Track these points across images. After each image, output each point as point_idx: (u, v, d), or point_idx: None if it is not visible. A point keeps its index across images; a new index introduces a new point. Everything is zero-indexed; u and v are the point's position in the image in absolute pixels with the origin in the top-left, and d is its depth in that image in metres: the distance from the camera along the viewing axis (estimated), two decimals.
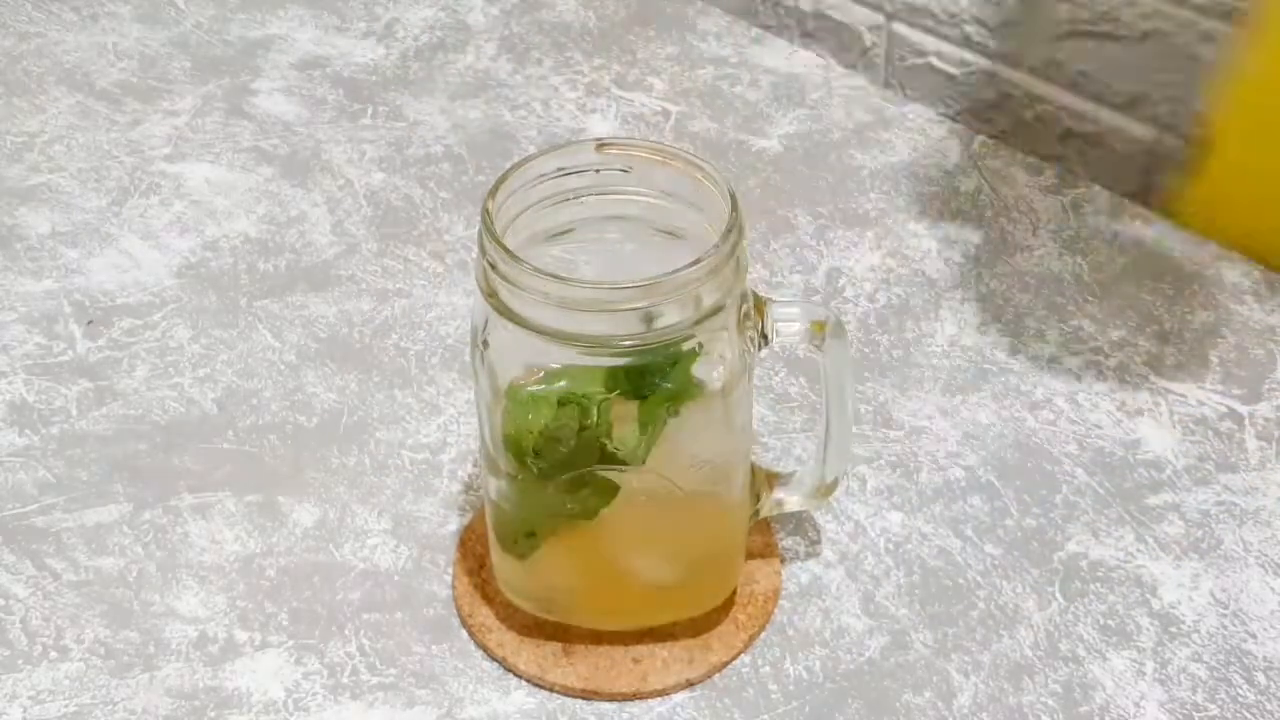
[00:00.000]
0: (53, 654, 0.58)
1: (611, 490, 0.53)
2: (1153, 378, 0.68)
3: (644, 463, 0.52)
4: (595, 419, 0.51)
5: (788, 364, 0.69)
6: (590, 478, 0.53)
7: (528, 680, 0.57)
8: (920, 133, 0.81)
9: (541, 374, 0.51)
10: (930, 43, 0.84)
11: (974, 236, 0.75)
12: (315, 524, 0.62)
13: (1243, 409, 0.67)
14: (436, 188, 0.78)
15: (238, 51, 0.87)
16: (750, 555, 0.60)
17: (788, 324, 0.54)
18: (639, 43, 0.87)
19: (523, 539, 0.55)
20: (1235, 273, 0.73)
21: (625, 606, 0.58)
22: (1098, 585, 0.60)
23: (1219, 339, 0.70)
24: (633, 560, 0.56)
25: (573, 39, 0.89)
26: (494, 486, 0.55)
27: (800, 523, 0.62)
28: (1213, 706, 0.56)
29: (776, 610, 0.59)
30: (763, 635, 0.58)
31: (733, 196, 0.51)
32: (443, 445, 0.65)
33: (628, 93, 0.84)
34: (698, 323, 0.50)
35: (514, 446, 0.52)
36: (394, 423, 0.66)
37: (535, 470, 0.53)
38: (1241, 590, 0.60)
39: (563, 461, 0.52)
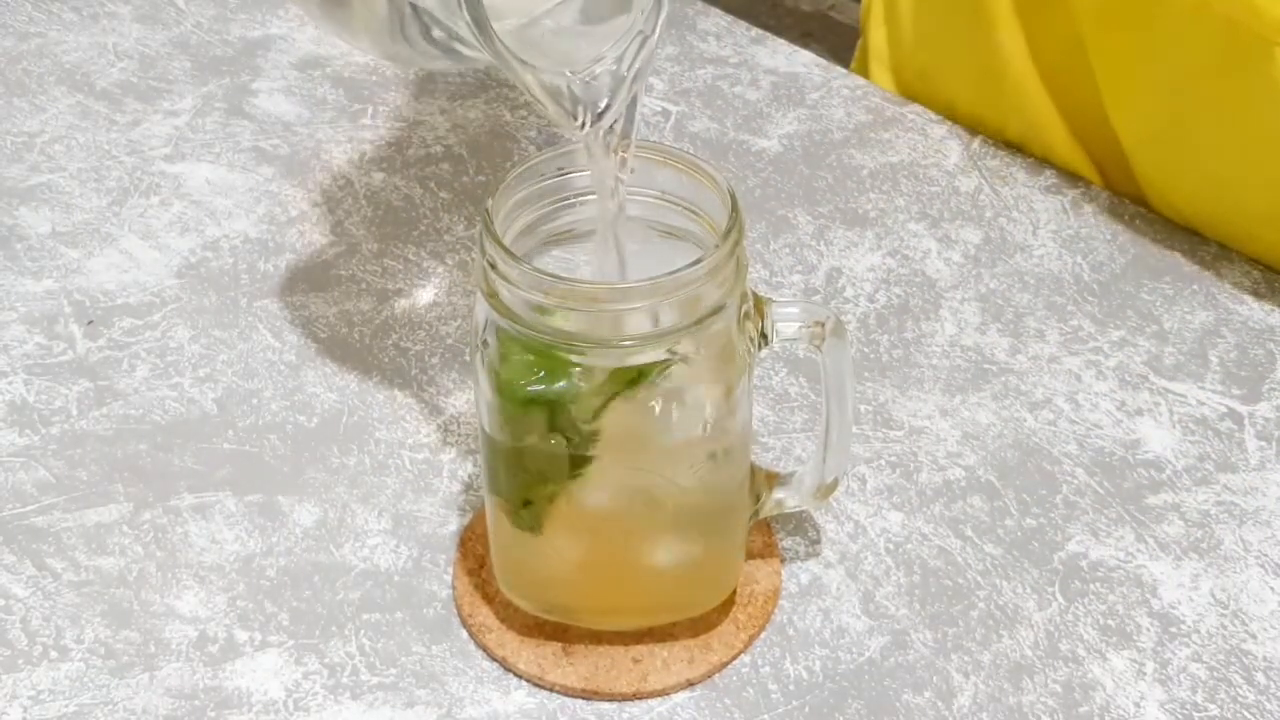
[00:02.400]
0: (53, 654, 0.58)
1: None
2: (1152, 377, 0.68)
3: (592, 420, 0.52)
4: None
5: (788, 364, 0.69)
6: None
7: (528, 680, 0.57)
8: (920, 133, 0.81)
9: (541, 374, 0.51)
10: None
11: (974, 236, 0.75)
12: (315, 524, 0.62)
13: (1243, 409, 0.67)
14: (436, 188, 0.78)
15: (238, 51, 0.87)
16: (750, 555, 0.60)
17: (788, 324, 0.54)
18: None
19: (523, 510, 0.55)
20: (1235, 272, 0.73)
21: (626, 606, 0.58)
22: (1098, 585, 0.60)
23: (1219, 339, 0.70)
24: (634, 555, 0.56)
25: None
26: (492, 492, 0.55)
27: (800, 523, 0.62)
28: (1213, 706, 0.56)
29: (776, 610, 0.59)
30: (763, 635, 0.58)
31: (733, 196, 0.51)
32: (443, 445, 0.65)
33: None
34: (698, 323, 0.50)
35: (511, 430, 0.53)
36: (394, 423, 0.66)
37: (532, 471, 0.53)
38: (1241, 590, 0.60)
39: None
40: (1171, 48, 0.70)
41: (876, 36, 0.86)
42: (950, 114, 0.82)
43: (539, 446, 0.53)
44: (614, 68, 0.52)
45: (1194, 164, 0.73)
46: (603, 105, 0.52)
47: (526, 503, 0.55)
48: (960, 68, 0.81)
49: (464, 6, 0.47)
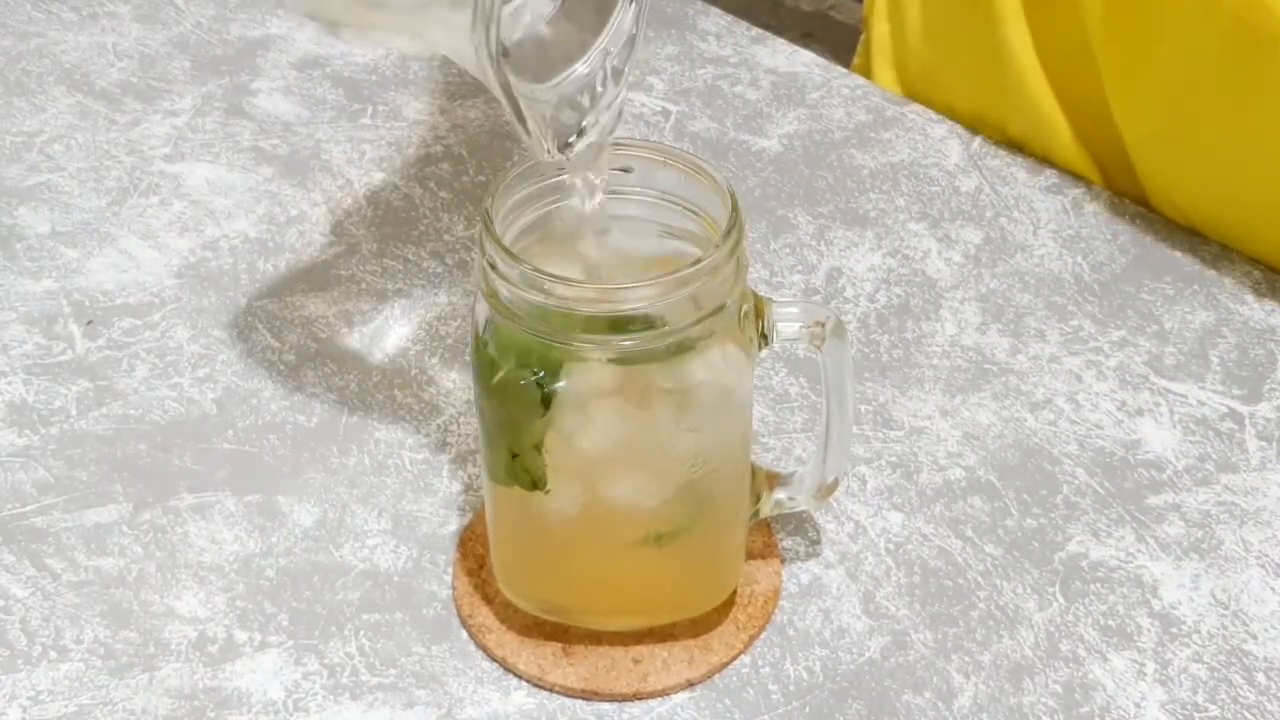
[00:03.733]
0: (52, 654, 0.58)
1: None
2: (1153, 378, 0.68)
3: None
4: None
5: (788, 364, 0.69)
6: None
7: (527, 681, 0.57)
8: (920, 133, 0.81)
9: (541, 373, 0.51)
10: None
11: (974, 236, 0.75)
12: (315, 524, 0.62)
13: (1243, 409, 0.67)
14: (436, 188, 0.78)
15: (237, 51, 0.87)
16: (750, 555, 0.60)
17: (788, 324, 0.54)
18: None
19: (522, 475, 0.54)
20: (1236, 272, 0.73)
21: (625, 606, 0.58)
22: (1098, 586, 0.60)
23: (1219, 339, 0.70)
24: (633, 558, 0.56)
25: None
26: (491, 489, 0.55)
27: (800, 523, 0.62)
28: (1213, 707, 0.56)
29: (776, 610, 0.59)
30: (763, 635, 0.58)
31: (733, 196, 0.51)
32: (443, 445, 0.65)
33: (628, 92, 0.84)
34: (698, 323, 0.50)
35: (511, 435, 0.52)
36: (394, 423, 0.66)
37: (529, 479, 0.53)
38: (1242, 591, 0.60)
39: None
40: (1178, 45, 0.70)
41: (880, 31, 0.86)
42: (951, 111, 0.82)
43: (536, 445, 0.53)
44: (586, 100, 0.52)
45: (1198, 162, 0.73)
46: (571, 138, 0.52)
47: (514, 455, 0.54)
48: (964, 64, 0.81)
49: (481, 32, 0.47)
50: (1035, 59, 0.77)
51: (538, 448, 0.53)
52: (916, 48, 0.84)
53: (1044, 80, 0.77)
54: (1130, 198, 0.77)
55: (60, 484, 0.64)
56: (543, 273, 0.49)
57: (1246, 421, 0.66)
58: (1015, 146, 0.80)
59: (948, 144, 0.81)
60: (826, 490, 0.58)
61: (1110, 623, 0.59)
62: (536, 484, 0.53)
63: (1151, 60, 0.72)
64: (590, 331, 0.50)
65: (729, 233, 0.50)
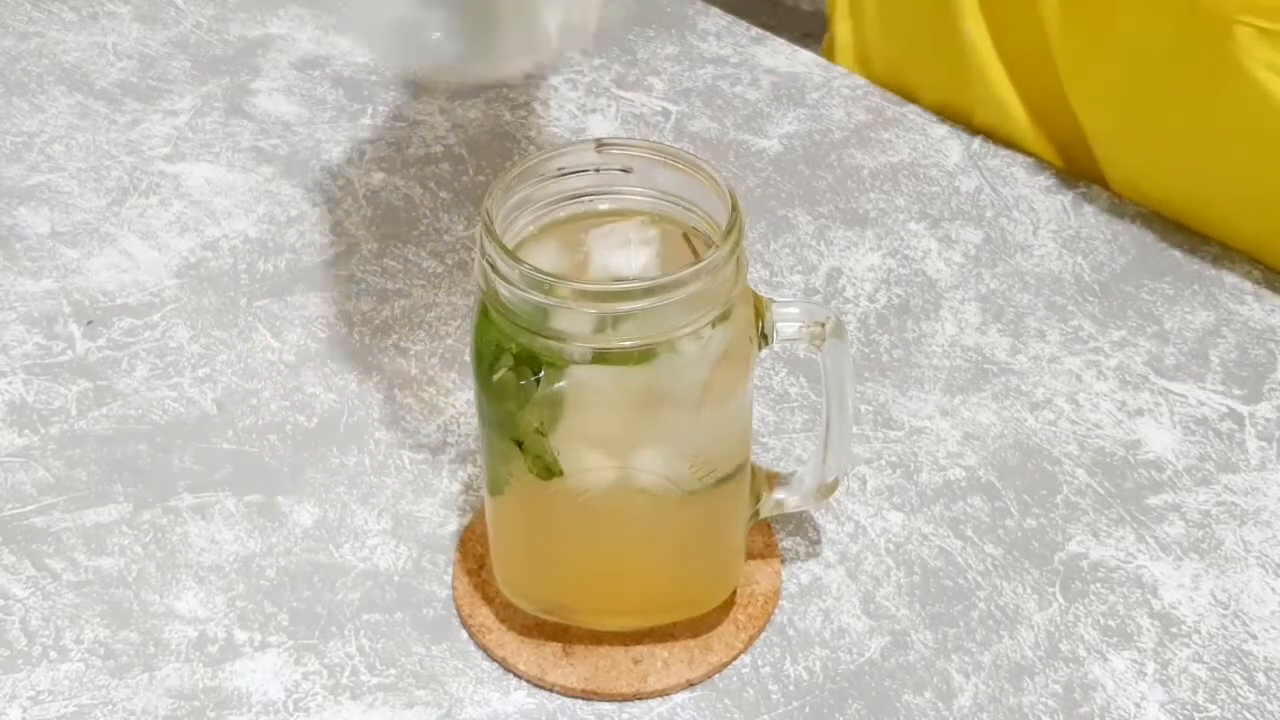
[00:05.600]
0: (52, 654, 0.58)
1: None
2: (1153, 378, 0.68)
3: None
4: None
5: (788, 364, 0.69)
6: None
7: (528, 681, 0.57)
8: (920, 133, 0.81)
9: (541, 373, 0.51)
10: None
11: (974, 236, 0.75)
12: (315, 524, 0.62)
13: (1243, 409, 0.67)
14: (436, 188, 0.78)
15: (237, 51, 0.87)
16: (750, 555, 0.60)
17: (788, 324, 0.54)
18: (639, 42, 0.87)
19: (534, 463, 0.54)
20: (1235, 273, 0.73)
21: (625, 606, 0.58)
22: (1098, 586, 0.60)
23: (1219, 339, 0.70)
24: (633, 558, 0.56)
25: None
26: (492, 488, 0.55)
27: (800, 523, 0.62)
28: (1213, 707, 0.56)
29: (777, 611, 0.59)
30: (763, 636, 0.58)
31: (733, 196, 0.51)
32: (443, 445, 0.65)
33: (628, 92, 0.84)
34: (698, 322, 0.50)
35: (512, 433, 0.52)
36: (394, 423, 0.66)
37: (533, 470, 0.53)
38: (1242, 591, 0.60)
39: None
40: (1131, 31, 0.70)
41: (843, 30, 0.87)
42: (917, 104, 0.83)
43: (541, 446, 0.53)
44: None
45: (1156, 148, 0.73)
46: None
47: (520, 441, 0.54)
48: (926, 58, 0.82)
49: None
50: (994, 52, 0.77)
51: (540, 431, 0.53)
52: (878, 44, 0.85)
53: (1004, 73, 0.78)
54: (1095, 183, 0.77)
55: (60, 484, 0.64)
56: (543, 273, 0.49)
57: (1246, 421, 0.66)
58: (983, 134, 0.80)
59: (948, 144, 0.81)
60: (826, 490, 0.58)
61: (1110, 623, 0.59)
62: (550, 470, 0.53)
63: (1106, 48, 0.72)
64: (590, 331, 0.50)
65: (729, 233, 0.50)
